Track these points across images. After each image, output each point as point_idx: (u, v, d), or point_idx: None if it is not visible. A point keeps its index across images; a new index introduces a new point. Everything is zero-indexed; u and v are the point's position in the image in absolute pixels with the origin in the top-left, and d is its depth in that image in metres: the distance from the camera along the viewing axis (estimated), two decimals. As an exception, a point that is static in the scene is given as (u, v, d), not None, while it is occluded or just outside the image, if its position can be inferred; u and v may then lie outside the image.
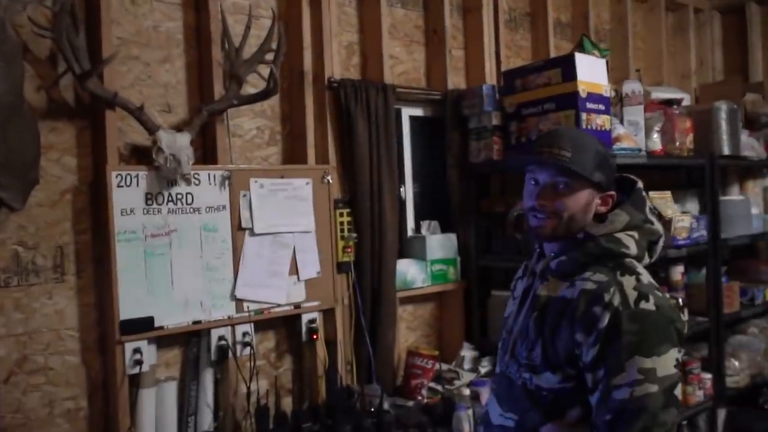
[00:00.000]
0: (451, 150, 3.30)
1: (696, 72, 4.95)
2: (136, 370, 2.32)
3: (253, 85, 2.80)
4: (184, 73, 2.65)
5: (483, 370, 3.12)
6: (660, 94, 3.86)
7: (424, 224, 3.29)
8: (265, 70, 2.65)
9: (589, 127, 2.89)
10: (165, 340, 2.50)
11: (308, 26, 2.89)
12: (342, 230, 2.89)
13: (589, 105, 2.91)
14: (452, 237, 3.29)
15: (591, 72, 2.94)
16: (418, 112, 3.43)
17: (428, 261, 3.18)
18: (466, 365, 3.18)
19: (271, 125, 2.90)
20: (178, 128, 2.49)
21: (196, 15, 2.69)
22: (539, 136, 1.58)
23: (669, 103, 3.44)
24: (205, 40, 2.65)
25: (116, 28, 2.48)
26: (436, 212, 3.37)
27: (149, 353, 2.37)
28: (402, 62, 3.36)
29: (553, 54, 3.83)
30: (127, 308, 2.32)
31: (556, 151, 1.51)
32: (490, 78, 3.52)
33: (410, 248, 3.25)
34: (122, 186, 2.34)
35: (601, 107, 2.97)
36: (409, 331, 3.30)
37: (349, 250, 2.88)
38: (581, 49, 3.24)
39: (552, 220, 1.53)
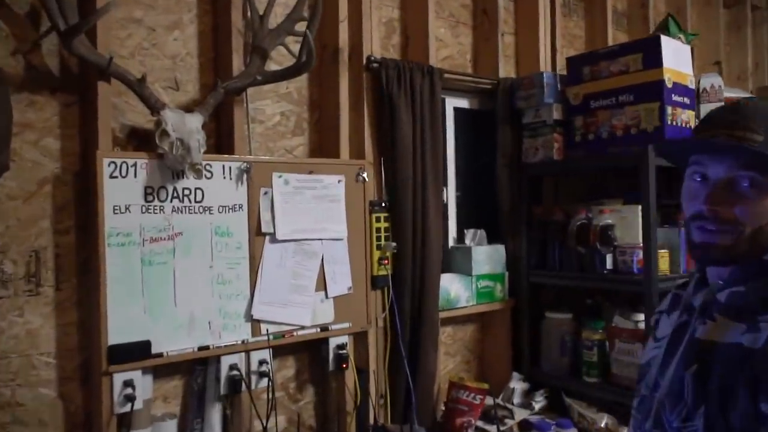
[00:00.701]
0: (501, 148, 2.84)
1: (753, 74, 4.51)
2: (127, 407, 1.85)
3: (277, 62, 2.34)
4: (196, 42, 2.19)
5: (537, 406, 2.64)
6: (729, 93, 3.42)
7: (469, 233, 2.82)
8: (294, 45, 2.19)
9: (674, 123, 2.43)
10: (164, 370, 2.03)
11: (346, -6, 2.43)
12: (378, 238, 2.42)
13: (675, 97, 2.46)
14: (500, 249, 2.82)
15: (677, 59, 2.49)
16: (463, 103, 2.96)
17: (474, 276, 2.71)
18: (516, 399, 2.71)
19: (297, 111, 2.43)
20: (188, 109, 2.03)
21: (212, -27, 2.23)
22: (708, 114, 1.11)
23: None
24: (222, 4, 2.18)
25: (115, -16, 2.02)
26: (481, 219, 2.91)
27: (144, 386, 1.90)
28: (446, 45, 2.90)
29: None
30: (118, 330, 1.85)
31: (740, 133, 1.04)
32: (545, 68, 3.06)
33: (452, 261, 2.78)
34: (116, 177, 1.87)
35: (687, 100, 2.52)
36: (447, 356, 2.83)
37: (386, 262, 2.41)
38: (666, 31, 2.78)
39: (728, 233, 1.07)
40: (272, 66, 2.28)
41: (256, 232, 2.13)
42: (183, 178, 1.97)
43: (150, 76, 2.07)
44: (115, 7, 1.97)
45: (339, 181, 2.33)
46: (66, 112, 1.93)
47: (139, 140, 2.06)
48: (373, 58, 2.43)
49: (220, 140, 2.21)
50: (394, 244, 2.41)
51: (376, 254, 2.41)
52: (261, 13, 2.17)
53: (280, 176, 2.18)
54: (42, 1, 1.65)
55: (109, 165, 1.86)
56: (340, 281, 2.31)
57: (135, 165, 1.90)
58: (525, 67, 3.09)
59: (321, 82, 2.48)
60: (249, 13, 2.18)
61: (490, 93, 2.89)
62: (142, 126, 2.06)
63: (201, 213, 2.02)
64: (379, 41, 2.55)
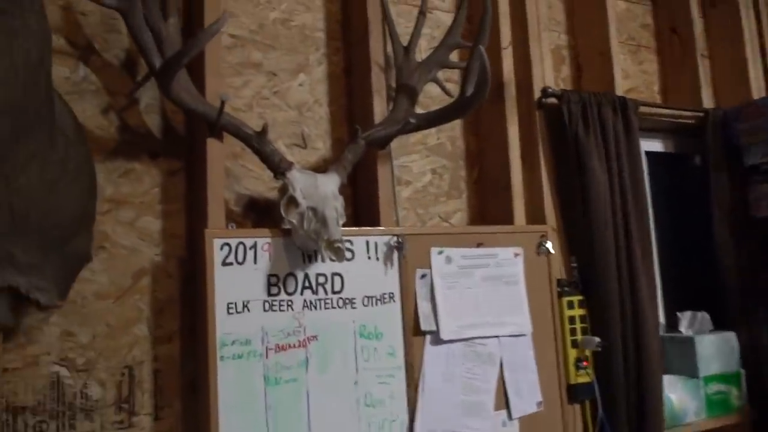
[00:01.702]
0: (717, 199, 2.13)
1: None
2: None
3: (424, 105, 1.82)
4: (326, 87, 1.72)
5: None
6: None
7: (684, 317, 2.08)
8: (448, 79, 1.68)
9: None
10: None
11: (507, 16, 1.90)
12: (573, 331, 1.76)
13: None
14: (731, 338, 2.06)
15: None
16: (656, 145, 2.30)
17: (701, 378, 1.96)
18: None
19: (452, 167, 1.89)
20: (320, 169, 1.54)
21: (343, 3, 1.78)
22: None
23: None
24: (357, 38, 1.72)
25: (230, 20, 1.61)
26: (696, 297, 2.17)
27: None
28: (628, 75, 2.29)
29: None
30: (234, 479, 1.31)
31: None
32: (759, 92, 2.34)
33: (666, 356, 2.04)
34: (230, 263, 1.38)
35: None
36: (664, 490, 2.05)
37: (586, 363, 1.74)
38: None
39: None
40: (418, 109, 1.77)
41: (413, 331, 1.55)
42: (317, 260, 1.45)
43: (271, 132, 1.60)
44: (231, 49, 1.56)
45: (516, 255, 1.73)
46: (169, 182, 1.50)
47: (260, 213, 1.59)
48: (550, 90, 1.85)
49: (360, 208, 1.69)
50: (596, 339, 1.74)
51: (572, 354, 1.75)
52: (405, 44, 1.68)
53: (440, 252, 1.62)
54: (134, 36, 1.23)
55: (221, 248, 1.37)
56: (527, 394, 1.66)
57: (255, 247, 1.40)
58: (728, 95, 2.39)
59: (480, 128, 1.93)
60: (390, 47, 1.70)
61: (694, 130, 2.21)
62: (262, 195, 1.59)
63: (341, 308, 1.48)
64: (550, 72, 1.98)
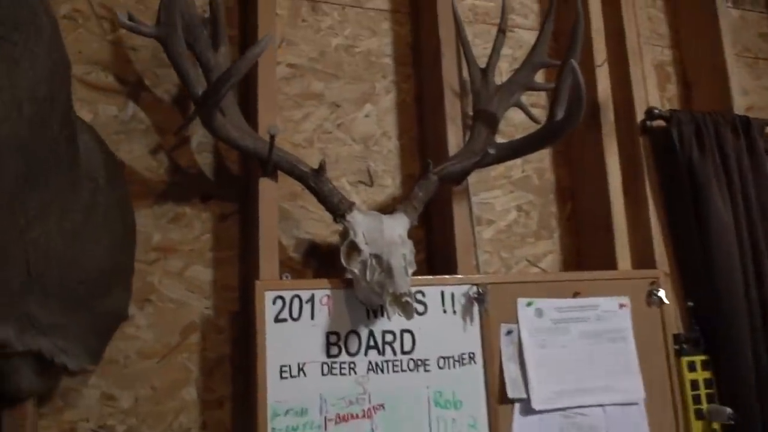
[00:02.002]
0: None
1: None
2: None
3: (506, 134, 1.61)
4: (395, 117, 1.55)
5: None
6: None
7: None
8: (534, 104, 1.46)
9: None
10: None
11: (600, 31, 1.67)
12: (696, 399, 1.46)
13: None
14: None
15: None
16: (785, 173, 1.95)
17: None
18: None
19: (540, 203, 1.65)
20: (387, 210, 1.35)
21: (413, 25, 1.61)
22: None
23: None
24: (428, 62, 1.54)
25: (288, 49, 1.48)
26: None
27: None
28: (745, 92, 1.97)
29: None
30: None
31: None
32: None
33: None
34: (284, 319, 1.20)
35: None
36: None
37: (714, 440, 1.43)
38: None
39: None
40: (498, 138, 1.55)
41: (499, 399, 1.31)
42: (382, 316, 1.25)
43: (334, 169, 1.45)
44: (290, 80, 1.42)
45: (621, 307, 1.46)
46: (222, 227, 1.36)
47: (322, 261, 1.41)
48: (656, 111, 1.58)
49: (433, 253, 1.49)
50: (727, 410, 1.42)
51: (696, 428, 1.44)
52: (482, 66, 1.49)
53: (528, 304, 1.38)
54: (176, 67, 1.10)
55: (274, 302, 1.20)
56: (641, 478, 1.37)
57: (312, 300, 1.23)
58: None
59: (572, 157, 1.68)
60: (466, 70, 1.50)
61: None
62: (325, 239, 1.42)
63: (412, 371, 1.26)
64: (654, 91, 1.71)
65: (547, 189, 1.66)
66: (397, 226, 1.25)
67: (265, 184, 1.26)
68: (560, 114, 1.27)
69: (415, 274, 1.24)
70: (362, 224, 1.23)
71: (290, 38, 1.49)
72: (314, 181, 1.24)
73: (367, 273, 1.18)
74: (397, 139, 1.54)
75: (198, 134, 1.36)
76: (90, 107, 1.31)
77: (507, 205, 1.61)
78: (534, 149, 1.35)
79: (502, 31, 1.51)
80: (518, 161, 1.63)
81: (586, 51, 1.63)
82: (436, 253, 1.48)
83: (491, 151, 1.28)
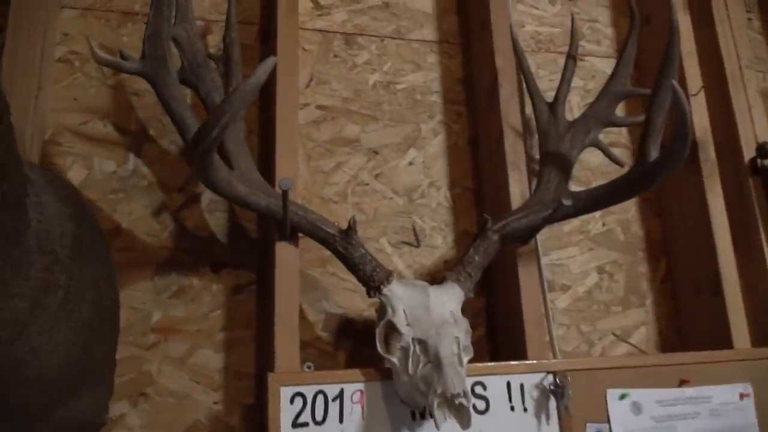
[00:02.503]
0: None
1: None
2: None
3: (581, 181, 1.33)
4: (445, 163, 1.30)
5: None
6: None
7: None
8: (613, 143, 1.19)
9: None
10: None
11: (692, 52, 1.38)
12: None
13: None
14: None
15: None
16: None
17: None
18: None
19: (628, 262, 1.35)
20: (436, 278, 1.09)
21: (465, 56, 1.38)
22: None
23: None
24: (483, 98, 1.29)
25: (318, 88, 1.26)
26: None
27: None
28: None
29: None
30: None
31: None
32: None
33: None
34: (304, 424, 0.94)
35: None
36: None
37: None
38: None
39: None
40: (571, 185, 1.27)
41: None
42: (428, 418, 0.97)
43: (372, 228, 1.20)
44: (320, 123, 1.20)
45: (743, 397, 1.12)
46: (235, 302, 1.13)
47: (358, 341, 1.16)
48: (771, 147, 1.28)
49: (496, 332, 1.21)
50: None
51: None
52: (549, 101, 1.23)
53: (622, 396, 1.07)
54: (167, 110, 0.89)
55: (292, 400, 0.95)
56: None
57: (340, 397, 0.96)
58: None
59: (665, 206, 1.38)
60: (531, 106, 1.25)
61: None
62: (360, 314, 1.16)
63: (471, 491, 0.96)
64: (763, 123, 1.40)
65: (635, 245, 1.36)
66: (448, 300, 0.98)
67: (283, 251, 1.03)
68: (654, 153, 0.98)
69: (472, 360, 0.96)
70: (403, 299, 0.97)
71: (320, 76, 1.28)
72: (342, 245, 0.99)
73: (410, 364, 0.91)
74: (449, 190, 1.28)
75: (209, 191, 1.15)
76: (84, 162, 1.12)
77: (585, 266, 1.32)
78: (622, 198, 1.06)
79: (572, 57, 1.25)
80: (596, 213, 1.34)
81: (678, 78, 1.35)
82: (500, 330, 1.20)
83: (566, 202, 1.01)
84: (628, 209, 1.38)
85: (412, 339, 0.93)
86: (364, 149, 1.26)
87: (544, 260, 1.28)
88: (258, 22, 1.27)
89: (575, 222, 1.33)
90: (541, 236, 1.27)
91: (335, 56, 1.30)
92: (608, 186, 1.06)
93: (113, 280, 0.93)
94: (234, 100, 0.73)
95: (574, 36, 1.27)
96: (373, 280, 0.98)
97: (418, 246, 1.24)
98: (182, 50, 1.01)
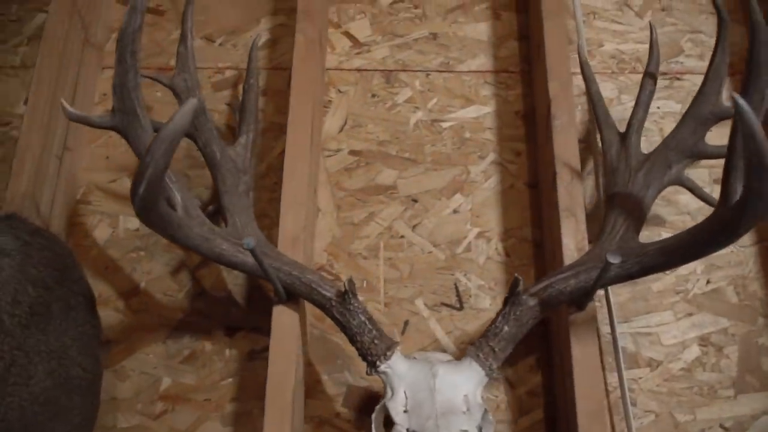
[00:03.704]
0: None
1: None
2: None
3: (674, 226, 1.07)
4: (497, 211, 1.11)
5: None
6: None
7: None
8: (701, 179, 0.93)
9: None
10: None
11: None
12: None
13: None
14: None
15: None
16: None
17: None
18: None
19: (742, 332, 1.04)
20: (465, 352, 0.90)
21: (526, 86, 1.19)
22: None
23: None
24: (541, 132, 1.09)
25: (352, 132, 1.15)
26: None
27: None
28: None
29: None
30: None
31: None
32: None
33: None
34: None
35: None
36: None
37: None
38: None
39: None
40: (655, 232, 1.01)
41: None
42: None
43: (406, 287, 1.05)
44: (352, 170, 1.09)
45: None
46: (248, 369, 1.03)
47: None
48: None
49: (556, 418, 0.97)
50: None
51: None
52: (621, 129, 1.00)
53: None
54: (139, 156, 0.83)
55: (275, 493, 0.81)
56: None
57: (330, 494, 0.81)
58: None
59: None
60: (600, 136, 1.02)
61: None
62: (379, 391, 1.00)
63: None
64: None
65: (755, 309, 1.05)
66: (463, 381, 0.80)
67: (280, 316, 0.91)
68: (735, 194, 0.73)
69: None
70: (406, 378, 0.81)
71: (356, 119, 1.17)
72: (339, 311, 0.85)
73: (399, 463, 0.74)
74: (501, 241, 1.09)
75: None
76: (110, 220, 1.11)
77: (683, 336, 1.03)
78: (697, 254, 0.80)
79: (650, 75, 1.02)
80: (698, 267, 1.06)
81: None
82: (560, 412, 0.96)
83: (613, 259, 0.77)
84: (745, 262, 1.07)
85: (407, 431, 0.76)
86: (401, 197, 1.12)
87: (623, 327, 1.03)
88: (290, 68, 1.20)
89: (668, 278, 1.06)
90: (621, 297, 1.04)
91: (373, 96, 1.19)
92: (681, 238, 0.80)
93: (92, 347, 0.87)
94: (154, 152, 0.64)
95: (653, 49, 1.03)
96: (370, 353, 0.83)
97: (460, 309, 1.05)
98: (181, 101, 0.96)
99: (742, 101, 0.62)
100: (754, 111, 0.76)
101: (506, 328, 0.84)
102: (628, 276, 0.85)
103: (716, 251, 0.78)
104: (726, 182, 0.77)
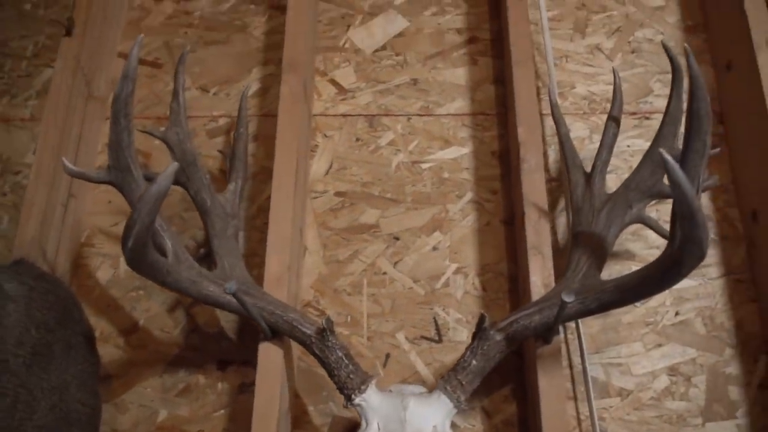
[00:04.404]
0: None
1: None
2: None
3: (644, 261, 1.12)
4: (474, 247, 1.17)
5: None
6: None
7: None
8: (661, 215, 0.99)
9: None
10: None
11: None
12: None
13: None
14: None
15: None
16: None
17: None
18: None
19: (710, 363, 1.08)
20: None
21: (501, 127, 1.26)
22: None
23: None
24: (514, 172, 1.16)
25: (338, 174, 1.23)
26: None
27: None
28: None
29: None
30: None
31: None
32: None
33: None
34: None
35: None
36: None
37: None
38: None
39: None
40: (627, 270, 1.06)
41: None
42: None
43: (387, 322, 1.11)
44: (337, 211, 1.16)
45: None
46: (239, 401, 1.09)
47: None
48: None
49: (528, 442, 1.02)
50: None
51: None
52: (586, 168, 1.06)
53: None
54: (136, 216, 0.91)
55: None
56: None
57: None
58: None
59: (762, 289, 1.10)
60: (568, 174, 1.08)
61: None
62: None
63: None
64: None
65: (722, 340, 1.09)
66: (432, 413, 0.86)
67: (266, 352, 0.97)
68: (678, 239, 0.79)
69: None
70: (379, 410, 0.87)
71: (341, 162, 1.24)
72: (319, 347, 0.92)
73: (370, 491, 0.79)
74: (477, 276, 1.15)
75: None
76: (111, 261, 1.19)
77: (652, 366, 1.08)
78: (651, 291, 0.85)
79: (613, 119, 1.08)
80: (668, 299, 1.11)
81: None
82: (526, 444, 1.02)
83: (567, 298, 0.83)
84: (712, 294, 1.12)
85: (377, 462, 0.82)
86: (383, 236, 1.18)
87: (594, 358, 1.08)
88: (279, 114, 1.28)
89: (639, 311, 1.11)
90: (592, 328, 1.09)
91: (358, 140, 1.26)
92: (634, 277, 0.86)
93: (91, 383, 0.94)
94: (140, 210, 0.71)
95: (616, 94, 1.10)
96: (346, 387, 0.89)
97: (439, 341, 1.11)
98: (173, 151, 1.03)
99: (667, 156, 0.69)
100: (698, 161, 0.83)
101: (474, 362, 0.90)
102: (588, 312, 0.90)
103: (668, 288, 0.84)
104: (673, 225, 0.82)
